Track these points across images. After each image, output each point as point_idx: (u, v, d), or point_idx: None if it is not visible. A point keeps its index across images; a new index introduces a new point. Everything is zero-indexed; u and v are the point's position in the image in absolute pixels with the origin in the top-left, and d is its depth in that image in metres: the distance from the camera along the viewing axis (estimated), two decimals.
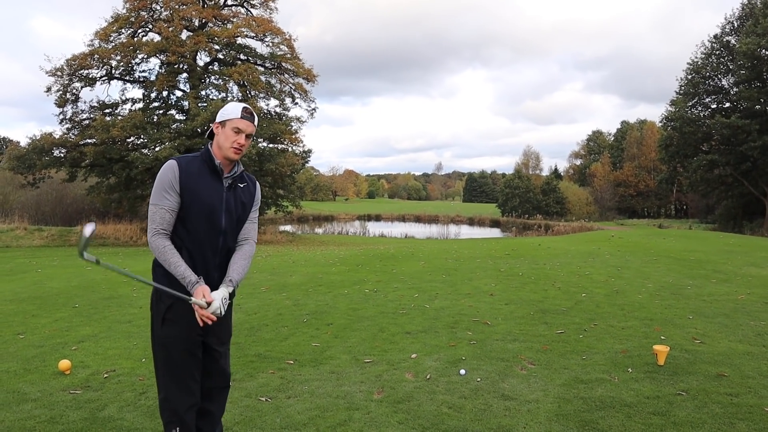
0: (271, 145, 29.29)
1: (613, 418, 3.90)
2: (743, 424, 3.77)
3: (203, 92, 29.19)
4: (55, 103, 27.00)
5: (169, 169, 2.86)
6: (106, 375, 5.05)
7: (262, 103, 30.67)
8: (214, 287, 2.92)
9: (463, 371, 4.92)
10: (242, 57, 30.27)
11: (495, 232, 54.76)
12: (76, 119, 27.85)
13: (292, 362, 5.33)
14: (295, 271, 12.27)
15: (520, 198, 73.12)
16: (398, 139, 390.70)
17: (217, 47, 28.96)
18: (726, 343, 5.82)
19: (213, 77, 29.87)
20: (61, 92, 26.84)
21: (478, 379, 4.73)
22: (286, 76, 31.17)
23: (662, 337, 6.05)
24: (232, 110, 2.98)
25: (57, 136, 26.65)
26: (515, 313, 7.43)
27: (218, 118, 3.00)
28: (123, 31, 27.72)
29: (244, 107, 2.97)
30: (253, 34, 29.55)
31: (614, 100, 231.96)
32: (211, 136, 3.07)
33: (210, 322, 2.84)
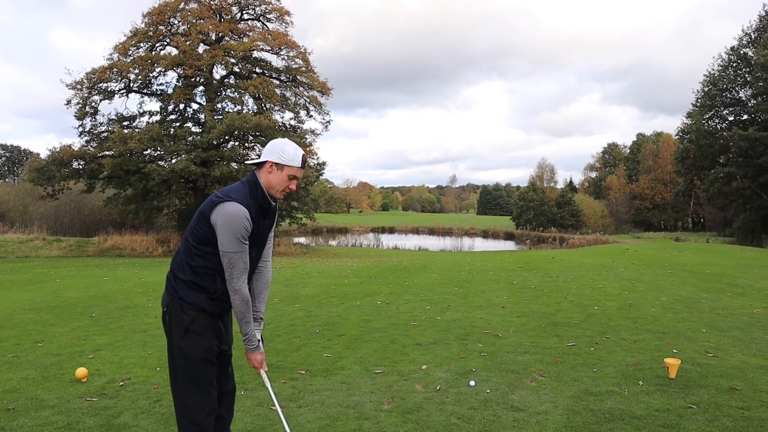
0: None
1: (622, 431, 3.91)
2: None
3: (219, 105, 29.49)
4: (75, 116, 27.45)
5: (244, 218, 2.89)
6: (121, 383, 5.13)
7: (277, 116, 30.95)
8: None
9: (472, 383, 4.95)
10: (258, 70, 30.58)
11: (509, 245, 54.56)
12: (95, 131, 28.27)
13: (303, 372, 5.39)
14: (308, 283, 12.34)
15: (534, 211, 72.90)
16: (413, 151, 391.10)
17: (233, 61, 29.29)
18: (739, 357, 5.79)
19: (229, 90, 30.21)
20: (80, 105, 27.27)
21: (488, 391, 4.76)
22: (301, 89, 31.41)
23: (674, 351, 6.04)
24: (293, 157, 3.00)
25: (76, 149, 27.02)
26: (527, 325, 7.44)
27: (275, 159, 2.98)
28: (141, 45, 28.17)
29: (303, 155, 3.04)
30: (268, 48, 29.85)
31: (632, 112, 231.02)
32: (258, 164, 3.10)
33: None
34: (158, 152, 27.75)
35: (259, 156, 3.11)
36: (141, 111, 29.57)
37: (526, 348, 6.20)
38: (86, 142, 27.97)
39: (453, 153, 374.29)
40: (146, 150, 27.12)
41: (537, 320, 7.76)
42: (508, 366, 5.51)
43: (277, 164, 2.99)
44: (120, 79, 27.56)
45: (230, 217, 2.86)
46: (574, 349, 6.13)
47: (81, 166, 27.25)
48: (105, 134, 27.95)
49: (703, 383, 4.92)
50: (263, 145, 28.32)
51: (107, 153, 26.79)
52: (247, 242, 2.92)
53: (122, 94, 28.44)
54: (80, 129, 28.07)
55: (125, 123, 28.54)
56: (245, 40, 29.58)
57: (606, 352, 5.99)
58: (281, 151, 3.00)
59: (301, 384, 5.04)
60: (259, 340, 3.12)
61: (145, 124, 28.73)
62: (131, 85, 28.36)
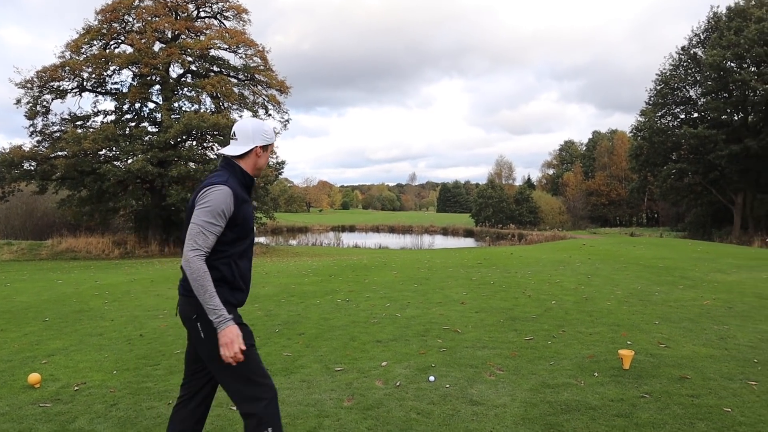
0: None
1: (577, 421, 3.99)
2: (703, 424, 3.88)
3: (176, 104, 29.05)
4: (25, 116, 26.70)
5: (228, 196, 2.82)
6: (76, 388, 5.03)
7: (235, 115, 30.60)
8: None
9: (432, 378, 4.99)
10: (215, 69, 30.23)
11: (469, 242, 55.07)
12: (47, 131, 27.53)
13: None
14: (267, 282, 12.26)
15: (493, 208, 73.78)
16: (373, 149, 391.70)
17: (190, 59, 28.90)
18: (690, 347, 5.96)
19: (186, 89, 29.78)
20: (31, 104, 26.53)
21: (447, 386, 4.80)
22: (260, 87, 31.18)
23: (628, 342, 6.18)
24: (272, 133, 3.08)
25: (27, 149, 26.31)
26: (485, 320, 7.52)
27: (261, 142, 3.00)
28: (95, 42, 27.52)
29: (273, 128, 3.06)
30: (226, 46, 29.52)
31: (590, 110, 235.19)
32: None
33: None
34: (113, 152, 27.17)
35: (229, 145, 3.03)
36: (95, 110, 28.97)
37: (485, 343, 6.28)
38: (38, 142, 27.24)
39: (413, 151, 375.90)
40: (101, 150, 26.53)
41: (495, 315, 7.86)
42: (467, 361, 5.57)
43: (263, 147, 3.01)
44: (73, 77, 26.92)
45: (213, 195, 2.80)
46: (532, 343, 6.23)
47: (33, 167, 26.51)
48: (58, 134, 27.24)
49: (656, 373, 5.06)
50: (222, 144, 28.00)
51: (60, 153, 26.13)
52: (221, 225, 2.80)
53: (75, 93, 27.80)
54: (31, 129, 27.34)
55: (79, 123, 27.87)
56: (202, 38, 29.21)
57: (563, 345, 6.11)
58: (263, 132, 3.03)
59: None
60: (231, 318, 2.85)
61: (99, 123, 28.11)
62: (84, 83, 27.72)
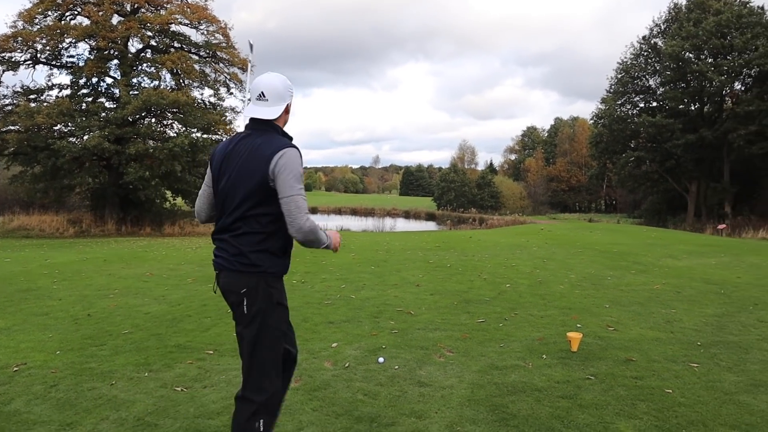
0: (204, 136, 28.67)
1: (522, 402, 4.03)
2: (644, 405, 3.95)
3: (135, 80, 28.24)
4: None
5: (299, 157, 2.76)
6: (15, 368, 4.88)
7: (196, 93, 29.91)
8: None
9: (381, 359, 4.98)
10: (176, 45, 29.45)
11: (430, 225, 55.29)
12: None
13: (211, 352, 5.28)
14: None
15: (455, 192, 74.27)
16: (337, 131, 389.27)
17: (149, 34, 28.10)
18: (637, 330, 6.08)
19: (145, 65, 28.96)
20: None
21: (396, 367, 4.80)
22: (221, 65, 30.53)
23: (578, 325, 6.27)
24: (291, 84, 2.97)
25: None
26: (439, 303, 7.55)
27: (290, 98, 2.91)
28: (49, 13, 26.50)
29: None
30: (187, 22, 28.78)
31: (553, 96, 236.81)
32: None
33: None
34: (69, 128, 26.35)
35: (259, 107, 2.85)
36: (50, 84, 27.93)
37: (437, 325, 6.30)
38: None
39: (377, 134, 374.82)
40: (56, 125, 25.69)
41: (450, 298, 7.89)
42: (418, 343, 5.57)
43: (291, 102, 2.94)
44: (25, 49, 25.91)
45: (290, 160, 2.69)
46: (484, 326, 6.27)
47: None
48: (9, 108, 26.30)
49: (603, 355, 5.14)
50: (181, 122, 27.45)
51: (12, 128, 25.25)
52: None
53: (28, 65, 26.77)
54: None
55: (32, 96, 26.89)
56: (162, 12, 28.40)
57: (514, 328, 6.16)
58: (290, 86, 2.92)
59: (208, 364, 4.94)
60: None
61: (54, 98, 27.19)
62: (38, 56, 26.71)
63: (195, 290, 8.66)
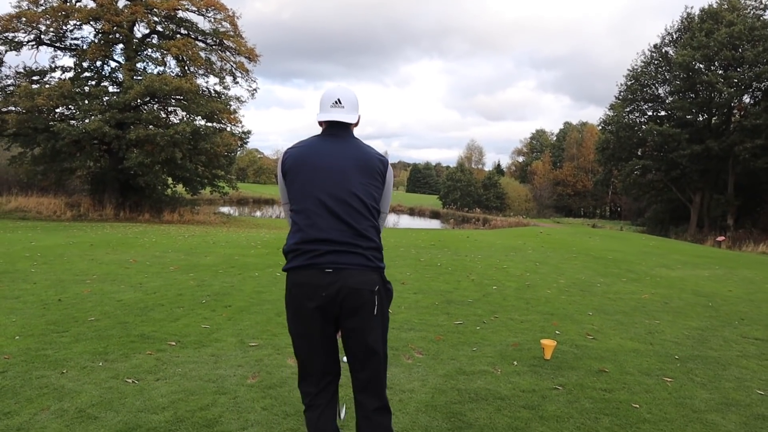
0: (207, 124, 28.56)
1: (482, 411, 3.86)
2: (607, 420, 3.79)
3: (139, 65, 28.18)
4: None
5: None
6: None
7: (201, 80, 29.80)
8: None
9: (345, 359, 4.81)
10: (182, 31, 29.34)
11: (434, 223, 55.17)
12: None
13: (174, 344, 5.13)
14: (211, 252, 11.97)
15: (461, 191, 74.04)
16: None
17: (155, 19, 27.98)
18: (617, 340, 5.91)
19: (150, 50, 28.91)
20: None
21: None
22: (228, 53, 30.39)
23: (557, 332, 6.10)
24: None
25: None
26: (421, 302, 7.39)
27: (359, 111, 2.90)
28: None
29: None
30: (194, 9, 28.62)
31: (565, 101, 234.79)
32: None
33: None
34: (70, 111, 26.29)
35: (338, 113, 2.83)
36: (53, 66, 27.86)
37: (413, 325, 6.14)
38: None
39: (387, 129, 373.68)
40: (57, 108, 25.63)
41: (433, 297, 7.73)
42: (390, 343, 5.36)
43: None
44: (30, 29, 25.79)
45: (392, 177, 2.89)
46: (461, 328, 6.11)
47: None
48: (11, 88, 26.21)
49: (576, 365, 4.97)
50: (185, 109, 27.34)
51: (12, 108, 25.16)
52: None
53: (32, 46, 26.66)
54: None
55: (35, 78, 26.81)
56: None
57: (490, 332, 6.00)
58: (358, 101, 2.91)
59: (167, 356, 4.79)
60: None
61: (56, 80, 27.11)
62: (42, 37, 26.60)
63: (174, 279, 8.51)
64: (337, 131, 2.80)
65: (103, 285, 7.87)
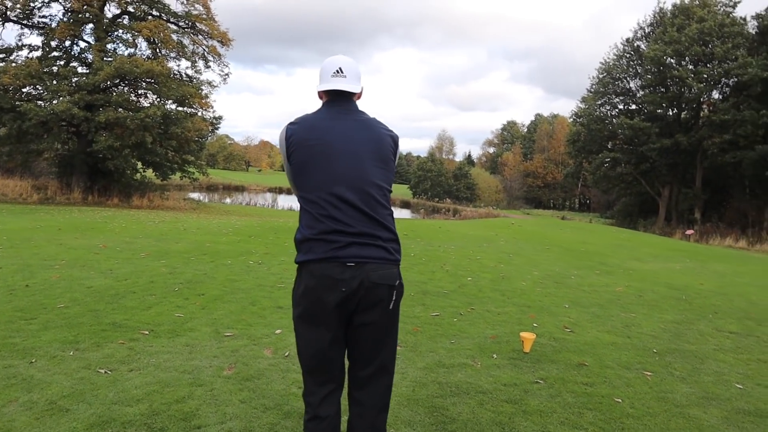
0: (179, 108, 28.07)
1: (464, 405, 3.82)
2: (591, 414, 3.77)
3: (110, 46, 27.51)
4: None
5: None
6: None
7: (172, 64, 29.28)
8: None
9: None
10: (154, 13, 28.73)
11: (404, 213, 55.15)
12: None
13: (146, 333, 4.99)
14: (182, 239, 11.76)
15: (431, 181, 74.25)
16: None
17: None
18: (594, 333, 5.92)
19: (121, 31, 28.25)
20: None
21: None
22: (200, 37, 29.85)
23: (535, 325, 6.10)
24: None
25: None
26: None
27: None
28: None
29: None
30: None
31: (537, 93, 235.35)
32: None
33: None
34: (38, 91, 25.60)
35: (340, 81, 2.61)
36: (20, 44, 27.09)
37: None
38: None
39: None
40: (24, 87, 24.93)
41: (407, 288, 7.67)
42: None
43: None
44: None
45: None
46: (437, 320, 6.07)
47: None
48: None
49: (555, 358, 4.96)
50: (156, 92, 26.84)
51: None
52: None
53: None
54: None
55: (0, 56, 26.08)
56: None
57: (468, 324, 5.96)
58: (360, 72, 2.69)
59: (140, 345, 4.65)
60: None
61: (24, 59, 26.35)
62: (8, 13, 25.86)
63: (146, 266, 8.32)
64: (340, 102, 2.61)
65: (72, 271, 7.66)
